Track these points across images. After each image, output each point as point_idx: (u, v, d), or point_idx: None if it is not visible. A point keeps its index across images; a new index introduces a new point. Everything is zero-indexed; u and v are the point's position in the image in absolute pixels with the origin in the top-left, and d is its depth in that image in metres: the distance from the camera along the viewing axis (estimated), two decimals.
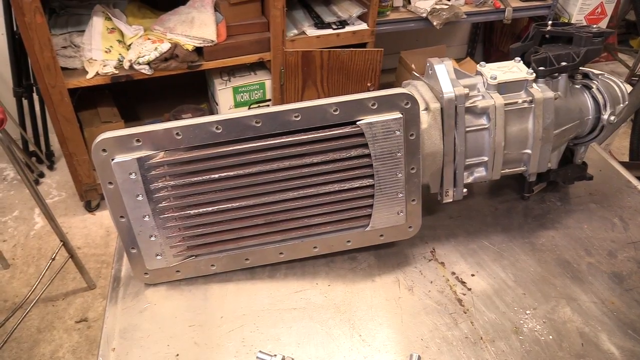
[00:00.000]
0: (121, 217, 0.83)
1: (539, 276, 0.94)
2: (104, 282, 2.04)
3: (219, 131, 0.79)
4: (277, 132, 0.80)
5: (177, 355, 0.81)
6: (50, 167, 2.66)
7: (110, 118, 2.25)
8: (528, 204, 1.09)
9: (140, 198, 0.82)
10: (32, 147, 2.61)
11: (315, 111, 0.80)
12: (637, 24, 1.97)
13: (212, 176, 0.82)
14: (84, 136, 2.14)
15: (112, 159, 0.78)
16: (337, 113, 0.80)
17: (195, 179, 0.82)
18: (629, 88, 1.92)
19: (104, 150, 0.78)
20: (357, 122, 0.81)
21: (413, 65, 2.78)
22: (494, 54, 3.56)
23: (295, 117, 0.79)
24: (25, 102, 2.48)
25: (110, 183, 0.80)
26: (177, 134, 0.78)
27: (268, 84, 2.34)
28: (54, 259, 1.82)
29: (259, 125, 0.79)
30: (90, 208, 2.38)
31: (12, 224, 2.33)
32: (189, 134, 0.79)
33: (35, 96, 2.48)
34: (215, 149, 0.80)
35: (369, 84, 2.40)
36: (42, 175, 2.61)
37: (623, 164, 1.22)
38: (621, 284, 0.92)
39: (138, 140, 0.78)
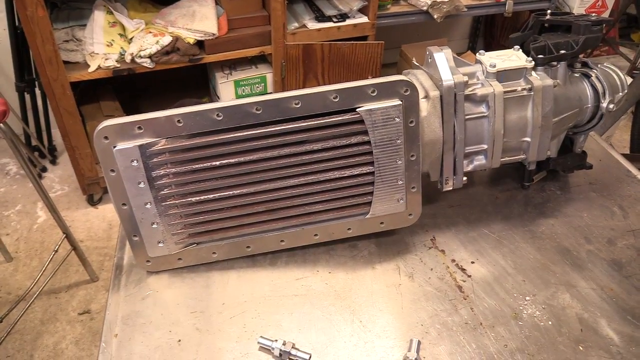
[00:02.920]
0: (123, 204, 0.84)
1: (539, 263, 0.94)
2: (107, 275, 2.05)
3: (220, 118, 0.79)
4: (277, 120, 0.81)
5: (179, 341, 0.82)
6: (53, 162, 2.67)
7: (112, 112, 2.25)
8: (528, 192, 1.10)
9: (142, 185, 0.82)
10: (34, 142, 2.62)
11: (315, 98, 0.80)
12: (638, 17, 1.97)
13: (213, 163, 0.83)
14: (86, 130, 2.15)
15: (114, 147, 0.79)
16: (336, 100, 0.81)
17: (197, 166, 0.83)
18: (629, 80, 1.92)
19: (105, 137, 0.79)
20: (357, 109, 0.82)
21: (414, 59, 2.78)
22: (495, 48, 3.54)
23: (296, 104, 0.80)
24: (27, 96, 2.49)
25: (112, 170, 0.81)
26: (179, 121, 0.79)
27: (269, 77, 2.34)
28: (56, 251, 1.83)
29: (259, 112, 0.80)
30: (92, 202, 2.39)
31: (15, 218, 2.34)
32: (190, 121, 0.79)
33: (37, 91, 2.49)
34: (216, 136, 0.81)
35: (370, 77, 2.40)
36: (44, 169, 2.62)
37: (624, 156, 1.23)
38: (620, 270, 0.93)
39: (140, 128, 0.79)
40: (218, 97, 2.36)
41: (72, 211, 2.37)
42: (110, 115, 2.23)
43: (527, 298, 0.88)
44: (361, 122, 0.83)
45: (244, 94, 2.35)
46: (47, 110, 2.58)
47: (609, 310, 0.86)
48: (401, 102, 0.82)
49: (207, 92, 2.62)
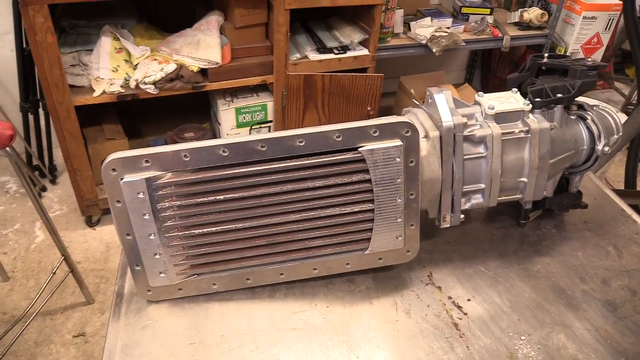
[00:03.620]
0: (127, 234, 0.86)
1: (534, 302, 0.96)
2: (103, 297, 2.05)
3: (225, 154, 0.81)
4: (281, 157, 0.83)
5: None
6: (53, 181, 2.68)
7: (114, 135, 2.28)
8: (524, 230, 1.12)
9: (146, 217, 0.84)
10: (35, 161, 2.64)
11: (318, 137, 0.82)
12: (632, 53, 2.03)
13: (217, 197, 0.85)
14: (87, 152, 2.17)
15: (121, 179, 0.81)
16: (339, 139, 0.83)
17: (201, 199, 0.85)
18: (624, 117, 1.96)
19: (113, 169, 0.81)
20: (359, 149, 0.84)
21: (412, 90, 2.82)
22: (491, 80, 3.62)
23: (300, 142, 0.82)
24: (30, 116, 2.51)
25: (119, 201, 0.83)
26: (185, 156, 0.81)
27: (270, 105, 2.38)
28: (54, 273, 1.83)
29: (264, 149, 0.82)
30: (91, 223, 2.40)
31: (13, 237, 2.34)
32: (196, 156, 0.81)
33: (40, 111, 2.52)
34: (221, 171, 0.83)
35: (369, 108, 2.44)
36: (44, 189, 2.63)
37: (618, 192, 1.25)
38: (615, 311, 0.94)
39: (147, 161, 0.81)
40: (219, 123, 2.39)
41: (69, 232, 2.37)
42: (112, 139, 2.25)
43: (523, 337, 0.89)
44: (363, 161, 0.85)
45: (244, 121, 2.38)
46: (50, 130, 2.61)
47: (603, 352, 0.87)
48: (402, 143, 0.85)
49: (208, 117, 2.65)
